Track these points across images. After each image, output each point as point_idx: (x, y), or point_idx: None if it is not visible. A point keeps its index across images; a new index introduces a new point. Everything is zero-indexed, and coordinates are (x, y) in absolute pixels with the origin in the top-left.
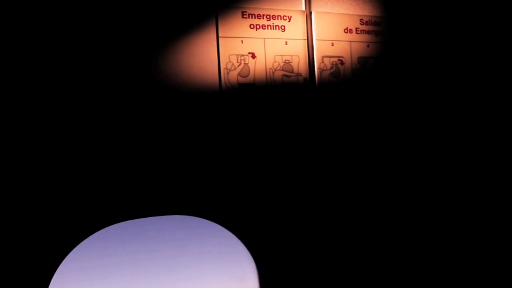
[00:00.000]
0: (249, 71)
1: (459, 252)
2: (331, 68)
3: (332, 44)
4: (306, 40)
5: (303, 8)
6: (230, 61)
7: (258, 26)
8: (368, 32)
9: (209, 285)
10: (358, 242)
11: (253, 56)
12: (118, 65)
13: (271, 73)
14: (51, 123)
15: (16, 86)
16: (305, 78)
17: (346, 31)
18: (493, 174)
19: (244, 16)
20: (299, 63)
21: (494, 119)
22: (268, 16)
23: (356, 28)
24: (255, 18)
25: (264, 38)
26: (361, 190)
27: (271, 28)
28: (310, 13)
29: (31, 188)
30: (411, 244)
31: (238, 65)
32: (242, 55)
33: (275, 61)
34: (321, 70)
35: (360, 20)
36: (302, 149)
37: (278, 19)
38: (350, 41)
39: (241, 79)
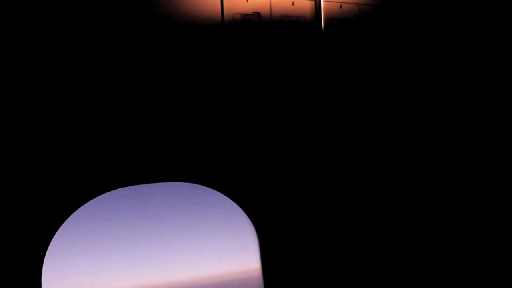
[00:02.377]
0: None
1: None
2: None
3: (341, 7)
4: (314, 1)
5: None
6: (234, 20)
7: None
8: None
9: (209, 255)
10: (358, 209)
11: (259, 16)
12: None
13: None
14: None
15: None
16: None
17: None
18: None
19: None
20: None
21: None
22: None
23: None
24: None
25: None
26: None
27: None
28: None
29: (30, 152)
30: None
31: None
32: (247, 14)
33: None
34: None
35: None
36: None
37: None
38: (359, 4)
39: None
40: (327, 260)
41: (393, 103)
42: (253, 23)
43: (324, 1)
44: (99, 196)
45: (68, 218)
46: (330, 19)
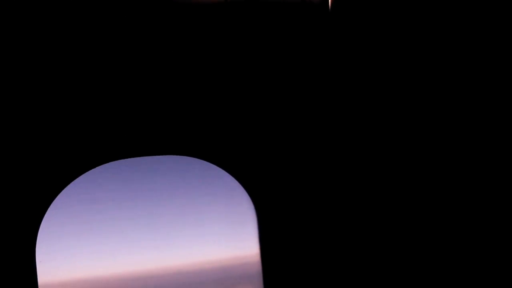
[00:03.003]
0: None
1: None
2: None
3: None
4: None
5: None
6: None
7: None
8: None
9: (207, 229)
10: (358, 189)
11: None
12: None
13: None
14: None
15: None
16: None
17: None
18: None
19: None
20: None
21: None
22: None
23: None
24: None
25: None
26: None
27: None
28: None
29: (23, 125)
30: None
31: None
32: None
33: None
34: None
35: None
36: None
37: None
38: None
39: None
40: (325, 240)
41: (401, 88)
42: (257, 2)
43: None
44: (92, 170)
45: (62, 191)
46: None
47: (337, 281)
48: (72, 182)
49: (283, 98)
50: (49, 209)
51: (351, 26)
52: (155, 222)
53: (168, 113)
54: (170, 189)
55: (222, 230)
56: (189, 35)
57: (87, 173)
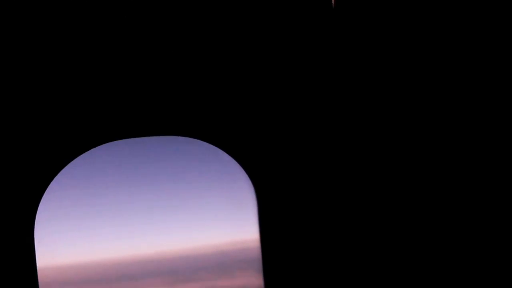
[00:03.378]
0: None
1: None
2: None
3: None
4: None
5: None
6: None
7: None
8: None
9: (206, 210)
10: (360, 173)
11: None
12: None
13: None
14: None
15: None
16: None
17: None
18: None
19: None
20: None
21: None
22: None
23: None
24: None
25: None
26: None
27: None
28: None
29: (23, 103)
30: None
31: None
32: None
33: None
34: None
35: None
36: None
37: None
38: None
39: None
40: (326, 225)
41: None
42: None
43: None
44: (90, 150)
45: (61, 171)
46: None
47: (337, 267)
48: (70, 163)
49: (285, 83)
50: (47, 189)
51: (355, 23)
52: (154, 204)
53: (167, 93)
54: (169, 170)
55: (222, 213)
56: (190, 17)
57: (85, 153)
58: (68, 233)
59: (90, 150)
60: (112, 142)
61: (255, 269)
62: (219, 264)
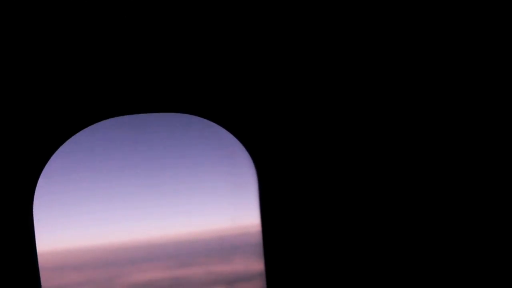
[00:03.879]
0: None
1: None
2: None
3: None
4: None
5: None
6: None
7: None
8: None
9: (206, 194)
10: (363, 156)
11: None
12: None
13: None
14: None
15: None
16: None
17: None
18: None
19: None
20: None
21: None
22: None
23: None
24: None
25: None
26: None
27: None
28: None
29: (21, 77)
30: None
31: None
32: None
33: None
34: None
35: None
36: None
37: None
38: None
39: None
40: (331, 209)
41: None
42: None
43: None
44: (91, 126)
45: (60, 147)
46: None
47: (340, 253)
48: (69, 139)
49: (288, 57)
50: (45, 167)
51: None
52: (152, 187)
53: (166, 68)
54: (169, 149)
55: (221, 197)
56: None
57: (84, 130)
58: (66, 217)
59: (90, 126)
60: (109, 119)
61: (255, 254)
62: (218, 249)
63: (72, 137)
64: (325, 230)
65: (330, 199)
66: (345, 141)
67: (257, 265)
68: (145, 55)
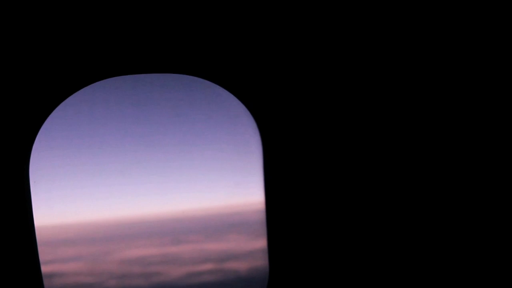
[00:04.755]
0: None
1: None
2: None
3: None
4: None
5: None
6: None
7: None
8: None
9: (210, 157)
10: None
11: None
12: None
13: None
14: None
15: None
16: None
17: None
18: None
19: None
20: None
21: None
22: None
23: None
24: None
25: None
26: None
27: None
28: None
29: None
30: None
31: None
32: None
33: None
34: None
35: None
36: None
37: None
38: None
39: None
40: (337, 180)
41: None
42: None
43: None
44: (87, 86)
45: (56, 108)
46: None
47: (348, 230)
48: (67, 100)
49: (296, 14)
50: (42, 127)
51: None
52: (149, 157)
53: (167, 26)
54: (168, 114)
55: (220, 174)
56: None
57: (83, 89)
58: (56, 191)
59: (89, 86)
60: (107, 79)
61: (248, 233)
62: (213, 227)
63: (67, 99)
64: (333, 205)
65: (340, 172)
66: (363, 109)
67: (250, 243)
68: (148, 13)
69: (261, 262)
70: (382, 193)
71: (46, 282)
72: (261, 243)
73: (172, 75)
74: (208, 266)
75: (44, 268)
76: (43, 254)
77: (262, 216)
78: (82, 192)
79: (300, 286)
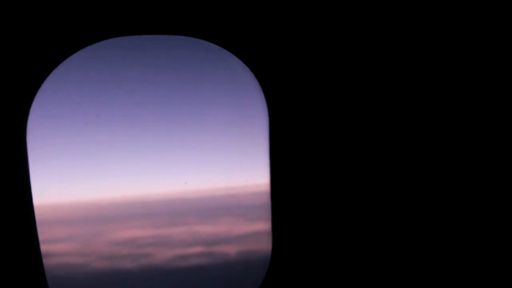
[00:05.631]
0: None
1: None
2: None
3: None
4: None
5: None
6: None
7: None
8: None
9: (214, 122)
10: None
11: None
12: None
13: None
14: None
15: None
16: None
17: None
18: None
19: None
20: None
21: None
22: None
23: None
24: None
25: None
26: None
27: None
28: None
29: None
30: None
31: None
32: None
33: None
34: None
35: None
36: None
37: None
38: None
39: None
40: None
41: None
42: None
43: None
44: (86, 48)
45: (54, 70)
46: None
47: (356, 211)
48: (66, 60)
49: None
50: (39, 91)
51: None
52: (156, 108)
53: None
54: (176, 73)
55: (229, 122)
56: None
57: (82, 50)
58: (50, 169)
59: (88, 47)
60: (107, 40)
61: (242, 216)
62: (207, 209)
63: (71, 56)
64: (340, 183)
65: (353, 146)
66: (371, 72)
67: (243, 227)
68: None
69: (253, 246)
70: (394, 177)
71: None
72: (255, 226)
73: (178, 38)
74: (197, 249)
75: None
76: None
77: (260, 198)
78: (78, 170)
79: (302, 270)
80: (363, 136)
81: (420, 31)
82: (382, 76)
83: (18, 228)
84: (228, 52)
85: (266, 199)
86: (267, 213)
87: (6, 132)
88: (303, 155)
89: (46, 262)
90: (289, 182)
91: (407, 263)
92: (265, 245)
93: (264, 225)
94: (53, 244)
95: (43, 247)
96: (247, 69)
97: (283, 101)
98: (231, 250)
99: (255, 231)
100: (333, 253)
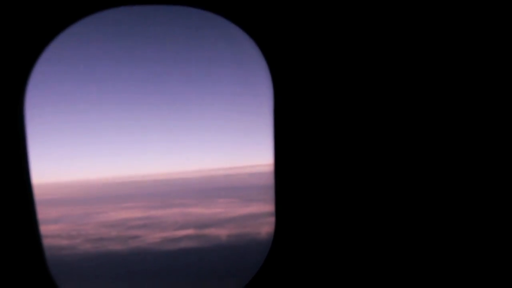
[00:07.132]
0: None
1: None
2: None
3: None
4: None
5: None
6: None
7: None
8: None
9: (217, 94)
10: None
11: None
12: None
13: None
14: None
15: None
16: None
17: None
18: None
19: None
20: None
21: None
22: None
23: None
24: None
25: None
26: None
27: None
28: None
29: None
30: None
31: None
32: None
33: None
34: None
35: None
36: None
37: None
38: None
39: None
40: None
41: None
42: None
43: None
44: (94, 15)
45: (53, 40)
46: None
47: (359, 194)
48: (65, 31)
49: None
50: (38, 61)
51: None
52: (158, 81)
53: None
54: (178, 43)
55: (233, 93)
56: None
57: (81, 21)
58: (42, 148)
59: (89, 16)
60: (108, 10)
61: (240, 198)
62: (204, 190)
63: (70, 27)
64: (345, 163)
65: (357, 124)
66: (373, 41)
67: (238, 209)
68: None
69: (245, 229)
70: (398, 161)
71: None
72: (250, 208)
73: (178, 7)
74: (188, 232)
75: None
76: None
77: (260, 179)
78: (71, 149)
79: (303, 253)
80: (369, 114)
81: (426, 29)
82: (380, 46)
83: (16, 202)
84: (233, 24)
85: (265, 180)
86: (264, 194)
87: (5, 103)
88: (308, 134)
89: None
90: (292, 161)
91: (407, 249)
92: (259, 228)
93: (260, 207)
94: (44, 226)
95: None
96: (252, 42)
97: (287, 76)
98: (222, 233)
99: (250, 214)
100: (335, 236)
